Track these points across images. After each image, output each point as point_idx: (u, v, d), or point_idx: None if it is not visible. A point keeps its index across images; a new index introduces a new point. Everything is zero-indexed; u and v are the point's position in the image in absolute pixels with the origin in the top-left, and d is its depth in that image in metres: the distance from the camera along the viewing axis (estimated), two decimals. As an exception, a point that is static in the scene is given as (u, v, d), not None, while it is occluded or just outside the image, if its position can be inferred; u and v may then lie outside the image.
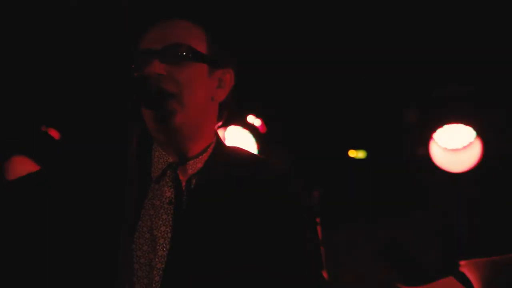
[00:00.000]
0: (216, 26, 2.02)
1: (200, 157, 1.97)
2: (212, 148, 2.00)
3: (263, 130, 4.87)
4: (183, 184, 1.94)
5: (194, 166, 1.96)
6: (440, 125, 4.80)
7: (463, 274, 2.81)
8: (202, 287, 1.84)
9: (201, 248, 1.86)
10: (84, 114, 4.31)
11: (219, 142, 2.05)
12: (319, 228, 4.30)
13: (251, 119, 4.89)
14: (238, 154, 2.08)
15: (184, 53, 1.92)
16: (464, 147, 4.82)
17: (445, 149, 4.82)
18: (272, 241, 1.88)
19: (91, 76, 4.22)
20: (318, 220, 4.31)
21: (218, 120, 2.06)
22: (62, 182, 1.95)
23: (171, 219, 1.90)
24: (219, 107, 2.03)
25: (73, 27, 4.22)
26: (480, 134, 4.80)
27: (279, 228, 1.90)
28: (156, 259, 1.87)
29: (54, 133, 4.72)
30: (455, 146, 4.82)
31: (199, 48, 1.95)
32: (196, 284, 1.84)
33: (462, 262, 2.90)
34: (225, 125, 4.73)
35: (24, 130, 4.65)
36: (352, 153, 5.02)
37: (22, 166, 4.67)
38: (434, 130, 4.81)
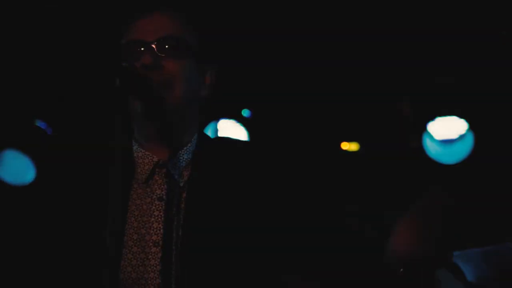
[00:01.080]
0: (204, 23, 2.03)
1: (186, 148, 1.97)
2: (197, 140, 2.01)
3: (254, 120, 4.87)
4: (174, 178, 1.93)
5: (183, 157, 1.96)
6: (433, 117, 4.81)
7: (455, 265, 2.81)
8: (200, 283, 1.84)
9: (196, 243, 1.85)
10: (75, 108, 4.29)
11: (202, 133, 2.06)
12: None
13: (243, 111, 4.89)
14: (223, 142, 2.09)
15: (178, 46, 1.92)
16: (457, 139, 4.83)
17: (438, 141, 4.83)
18: (265, 229, 1.89)
19: (82, 70, 4.21)
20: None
21: (200, 116, 2.06)
22: (51, 189, 1.96)
23: (162, 215, 1.89)
24: (203, 103, 2.04)
25: (61, 21, 4.21)
26: (473, 126, 4.81)
27: (272, 213, 1.91)
28: (150, 256, 1.86)
29: (45, 127, 4.71)
30: (448, 138, 4.83)
31: (191, 43, 1.96)
32: (195, 280, 1.83)
33: (454, 253, 2.90)
34: (218, 118, 4.74)
35: (15, 124, 4.64)
36: (345, 146, 5.02)
37: (13, 159, 4.67)
38: (427, 122, 4.82)
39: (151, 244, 1.87)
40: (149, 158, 1.96)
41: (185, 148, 1.97)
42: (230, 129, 4.84)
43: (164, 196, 1.91)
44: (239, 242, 1.86)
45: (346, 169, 4.80)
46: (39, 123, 4.67)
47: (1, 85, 4.52)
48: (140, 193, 1.93)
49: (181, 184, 1.93)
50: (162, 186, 1.92)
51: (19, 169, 4.67)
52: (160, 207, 1.90)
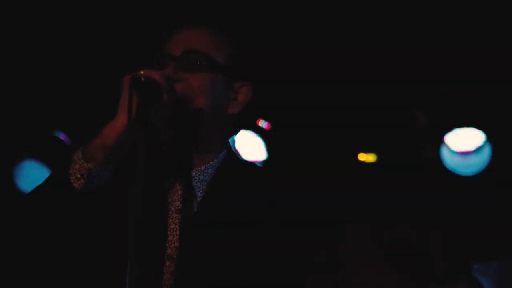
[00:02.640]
0: (238, 38, 2.02)
1: (212, 163, 1.96)
2: (223, 157, 1.99)
3: (271, 132, 4.87)
4: (194, 192, 1.93)
5: (206, 172, 1.95)
6: (451, 128, 4.78)
7: (475, 277, 2.81)
8: None
9: (208, 259, 1.85)
10: (95, 119, 4.30)
11: (231, 152, 2.04)
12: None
13: (260, 122, 4.89)
14: (249, 166, 2.09)
15: (200, 61, 1.92)
16: (475, 150, 4.80)
17: (456, 152, 4.81)
18: (275, 254, 1.90)
19: (103, 81, 4.23)
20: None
21: (232, 132, 2.05)
22: None
23: (178, 228, 1.89)
24: (233, 119, 2.02)
25: (86, 31, 4.24)
26: (491, 137, 4.78)
27: (283, 240, 1.92)
28: (164, 269, 1.86)
29: (66, 138, 4.73)
30: (465, 149, 4.81)
31: (217, 58, 1.94)
32: None
33: (472, 265, 2.90)
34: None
35: (35, 134, 4.66)
36: (362, 157, 5.01)
37: (33, 170, 4.69)
38: (444, 133, 4.79)
39: (165, 257, 1.87)
40: (173, 167, 1.96)
41: (211, 163, 1.96)
42: (247, 139, 4.84)
43: (181, 209, 1.91)
44: (244, 265, 1.86)
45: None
46: (58, 134, 4.70)
47: (20, 96, 4.55)
48: (160, 202, 1.93)
49: (199, 199, 1.92)
50: (181, 198, 1.92)
51: (38, 180, 4.68)
52: (177, 220, 1.90)
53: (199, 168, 1.95)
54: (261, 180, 2.00)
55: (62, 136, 4.68)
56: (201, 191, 1.93)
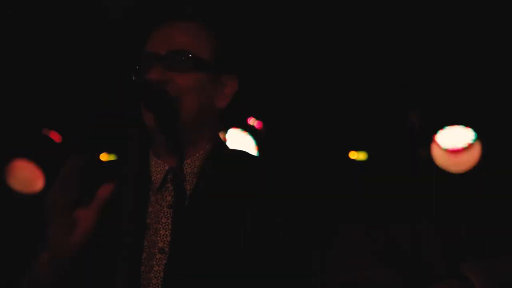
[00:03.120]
0: (223, 31, 2.02)
1: (198, 155, 1.97)
2: (212, 147, 2.00)
3: (262, 130, 4.88)
4: (184, 186, 1.93)
5: (193, 165, 1.96)
6: (441, 126, 4.79)
7: (464, 276, 2.82)
8: None
9: (200, 249, 1.86)
10: (85, 118, 4.32)
11: (220, 142, 2.05)
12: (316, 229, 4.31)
13: (251, 121, 4.90)
14: (239, 154, 2.08)
15: (187, 61, 1.91)
16: (465, 149, 4.82)
17: (446, 150, 4.82)
18: (268, 240, 1.89)
19: (93, 79, 4.23)
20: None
21: (220, 124, 2.06)
22: None
23: (170, 222, 1.90)
24: (221, 112, 2.03)
25: (75, 29, 4.23)
26: (481, 135, 4.80)
27: (277, 227, 1.91)
28: (154, 262, 1.87)
29: (56, 137, 4.73)
30: (456, 148, 4.82)
31: (203, 55, 1.94)
32: (195, 286, 1.84)
33: (463, 264, 2.91)
34: (226, 127, 4.74)
35: (25, 133, 4.66)
36: (353, 155, 5.02)
37: (23, 169, 4.69)
38: (435, 132, 4.80)
39: (156, 251, 1.88)
40: (162, 166, 1.97)
41: (197, 155, 1.97)
42: (238, 138, 4.84)
43: (173, 203, 1.91)
44: (233, 255, 1.86)
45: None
46: (49, 133, 4.70)
47: (11, 95, 4.54)
48: (152, 200, 1.94)
49: (188, 192, 1.93)
50: (172, 194, 1.93)
51: (28, 178, 4.68)
52: (168, 214, 1.91)
53: (186, 161, 1.96)
54: (251, 168, 2.00)
55: (52, 135, 4.68)
56: (190, 184, 1.94)
